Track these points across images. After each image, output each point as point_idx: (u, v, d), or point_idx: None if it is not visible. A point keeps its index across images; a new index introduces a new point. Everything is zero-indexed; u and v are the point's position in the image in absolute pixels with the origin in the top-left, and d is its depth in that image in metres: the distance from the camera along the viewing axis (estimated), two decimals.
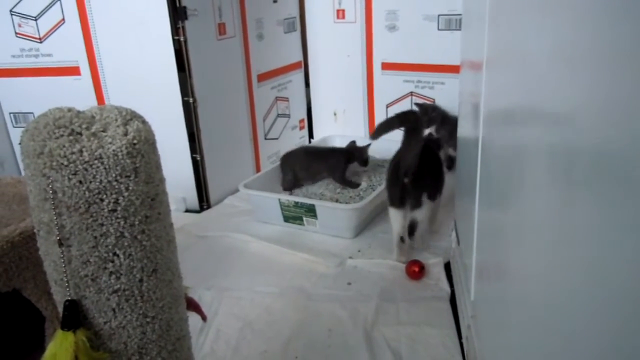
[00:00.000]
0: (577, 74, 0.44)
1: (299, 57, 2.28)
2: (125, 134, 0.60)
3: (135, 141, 0.60)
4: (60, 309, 0.63)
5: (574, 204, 0.45)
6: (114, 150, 0.58)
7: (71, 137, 0.58)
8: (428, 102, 2.00)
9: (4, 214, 1.04)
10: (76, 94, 1.76)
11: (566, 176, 0.47)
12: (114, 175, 0.59)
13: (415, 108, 2.01)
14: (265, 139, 2.13)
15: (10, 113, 1.85)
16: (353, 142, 1.89)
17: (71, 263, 0.61)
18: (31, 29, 1.73)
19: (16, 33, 1.74)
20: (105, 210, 0.59)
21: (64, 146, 0.57)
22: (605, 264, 0.38)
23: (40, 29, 1.73)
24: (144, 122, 0.63)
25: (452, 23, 1.87)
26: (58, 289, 0.64)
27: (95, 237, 0.60)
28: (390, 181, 1.43)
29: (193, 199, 1.86)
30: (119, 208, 0.60)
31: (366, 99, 2.19)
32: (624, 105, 0.34)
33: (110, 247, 0.60)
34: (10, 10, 1.72)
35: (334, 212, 1.59)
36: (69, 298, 0.62)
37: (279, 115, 2.20)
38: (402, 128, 1.39)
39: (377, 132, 1.48)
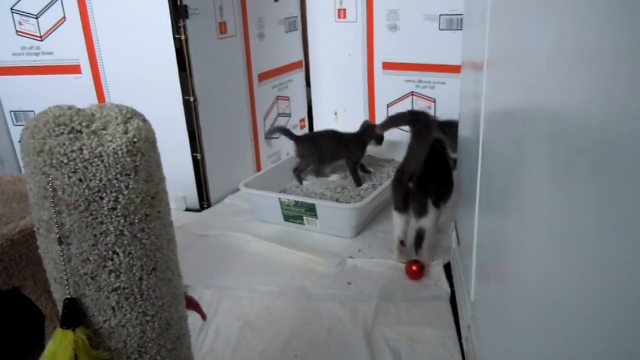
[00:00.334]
0: (578, 73, 0.44)
1: (299, 56, 2.27)
2: (126, 132, 0.60)
3: (135, 139, 0.60)
4: (60, 307, 0.63)
5: (574, 204, 0.44)
6: (114, 149, 0.58)
7: (71, 135, 0.58)
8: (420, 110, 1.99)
9: (4, 212, 1.04)
10: (77, 92, 1.75)
11: (567, 176, 0.47)
12: (114, 173, 0.58)
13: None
14: (266, 138, 2.13)
15: (10, 111, 1.85)
16: (367, 121, 1.92)
17: (71, 261, 0.61)
18: (32, 27, 1.73)
19: (17, 31, 1.74)
20: (105, 208, 0.59)
21: (64, 144, 0.57)
22: (605, 265, 0.38)
23: (41, 27, 1.73)
24: (144, 120, 0.63)
25: (453, 23, 1.87)
26: (57, 287, 0.64)
27: (95, 235, 0.60)
28: (395, 185, 1.41)
29: (193, 198, 1.86)
30: (118, 206, 0.60)
31: (367, 99, 2.18)
32: (626, 105, 0.34)
33: (110, 245, 0.60)
34: (11, 8, 1.72)
35: (335, 211, 1.58)
36: (69, 296, 0.62)
37: (279, 115, 2.20)
38: (410, 128, 1.35)
39: (386, 124, 1.47)
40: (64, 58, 1.75)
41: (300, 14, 2.23)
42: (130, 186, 0.60)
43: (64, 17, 1.70)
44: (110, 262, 0.61)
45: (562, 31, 0.49)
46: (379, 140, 1.91)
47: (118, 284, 0.62)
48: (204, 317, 0.88)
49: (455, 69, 1.85)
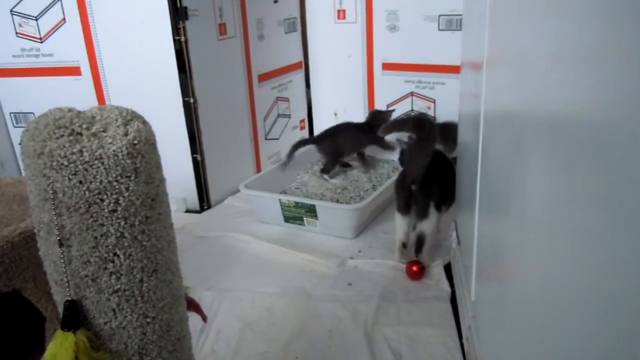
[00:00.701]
0: (578, 74, 0.44)
1: (299, 57, 2.28)
2: (126, 134, 0.60)
3: (135, 141, 0.60)
4: (61, 309, 0.63)
5: (574, 204, 0.44)
6: (114, 151, 0.58)
7: (71, 138, 0.58)
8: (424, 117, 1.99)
9: (4, 214, 1.04)
10: (77, 94, 1.76)
11: (566, 176, 0.47)
12: (114, 175, 0.58)
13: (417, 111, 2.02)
14: (266, 139, 2.13)
15: (10, 113, 1.86)
16: (375, 110, 1.99)
17: (71, 263, 0.61)
18: (32, 29, 1.73)
19: (17, 33, 1.74)
20: (106, 210, 0.59)
21: (64, 146, 0.57)
22: (605, 265, 0.38)
23: (41, 28, 1.73)
24: (144, 122, 0.63)
25: (452, 23, 1.87)
26: (58, 289, 0.64)
27: (96, 238, 0.60)
28: (398, 187, 1.40)
29: (194, 200, 1.86)
30: (119, 208, 0.60)
31: (367, 99, 2.19)
32: (626, 106, 0.34)
33: (110, 247, 0.60)
34: (11, 10, 1.72)
35: (335, 212, 1.58)
36: (69, 298, 0.62)
37: (279, 116, 2.20)
38: (414, 134, 1.34)
39: (388, 129, 1.47)
40: (63, 60, 1.75)
41: (299, 15, 2.23)
42: (131, 188, 0.60)
43: (64, 19, 1.70)
44: (110, 264, 0.61)
45: (561, 31, 0.49)
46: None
47: (119, 286, 0.62)
48: (204, 318, 0.88)
49: (454, 70, 1.85)
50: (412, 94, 2.07)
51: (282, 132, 2.23)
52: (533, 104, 0.60)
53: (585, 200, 0.42)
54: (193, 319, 0.80)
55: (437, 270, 1.39)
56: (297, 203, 1.61)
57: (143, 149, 0.61)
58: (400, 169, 1.47)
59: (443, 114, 2.00)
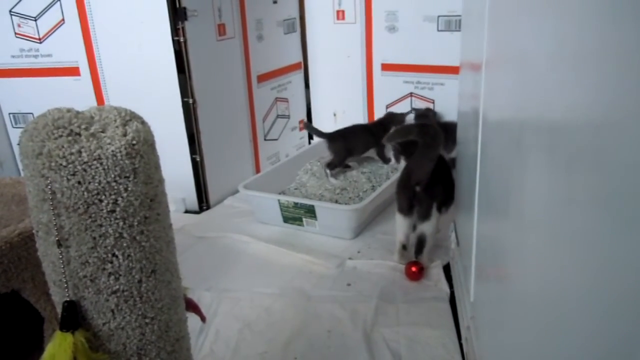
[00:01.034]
0: (577, 75, 0.44)
1: (298, 58, 2.28)
2: (124, 135, 0.60)
3: (134, 142, 0.60)
4: (59, 310, 0.63)
5: (573, 204, 0.44)
6: (112, 151, 0.58)
7: (70, 138, 0.58)
8: (422, 108, 2.01)
9: (3, 215, 1.04)
10: (76, 95, 1.76)
11: (565, 177, 0.47)
12: (112, 176, 0.58)
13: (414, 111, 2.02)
14: (265, 139, 2.13)
15: (9, 113, 1.85)
16: (389, 112, 2.02)
17: (70, 264, 0.61)
18: (31, 29, 1.73)
19: (16, 33, 1.74)
20: (104, 211, 0.59)
21: (62, 147, 0.57)
22: (604, 265, 0.38)
23: (40, 29, 1.73)
24: (143, 122, 0.63)
25: (451, 24, 1.87)
26: (57, 289, 0.63)
27: (94, 238, 0.60)
28: (401, 188, 1.40)
29: (192, 200, 1.86)
30: (117, 209, 0.60)
31: (366, 100, 2.19)
32: (625, 106, 0.34)
33: (109, 247, 0.60)
34: (10, 11, 1.72)
35: (334, 212, 1.58)
36: (68, 299, 0.62)
37: (278, 116, 2.20)
38: (419, 140, 1.34)
39: (393, 137, 1.48)
40: (63, 60, 1.75)
41: (299, 15, 2.23)
42: (129, 189, 0.60)
43: (63, 20, 1.70)
44: (109, 265, 0.61)
45: (560, 32, 0.49)
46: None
47: (117, 287, 0.62)
48: (203, 319, 0.88)
49: (453, 70, 1.86)
50: (411, 94, 2.07)
51: (281, 132, 2.23)
52: (532, 104, 0.60)
53: (584, 201, 0.42)
54: (192, 319, 0.80)
55: (436, 271, 1.39)
56: (296, 203, 1.61)
57: (142, 149, 0.61)
58: (401, 169, 1.47)
59: (442, 114, 2.01)
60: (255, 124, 2.05)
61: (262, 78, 2.05)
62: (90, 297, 0.62)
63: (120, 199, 0.59)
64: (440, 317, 1.23)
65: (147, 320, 0.65)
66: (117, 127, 0.60)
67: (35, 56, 1.76)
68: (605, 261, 0.37)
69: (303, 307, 1.29)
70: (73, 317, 0.62)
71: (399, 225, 1.41)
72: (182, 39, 1.66)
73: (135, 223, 0.61)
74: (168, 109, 1.72)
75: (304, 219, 1.63)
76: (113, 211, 0.59)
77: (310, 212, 1.59)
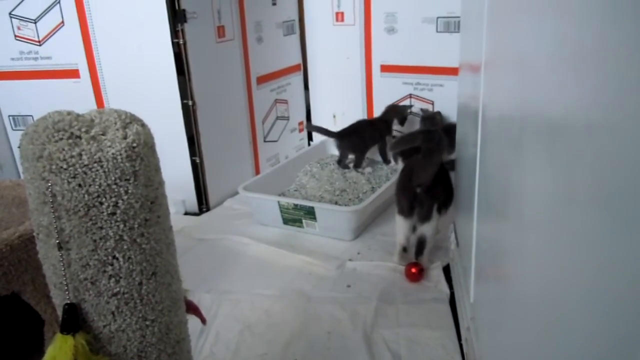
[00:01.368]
0: (576, 75, 0.44)
1: (298, 59, 2.28)
2: (125, 138, 0.60)
3: (134, 144, 0.60)
4: (60, 313, 0.63)
5: (572, 205, 0.45)
6: (113, 154, 0.58)
7: (70, 141, 0.58)
8: (430, 112, 2.00)
9: (3, 217, 1.04)
10: (75, 97, 1.76)
11: (565, 178, 0.47)
12: (113, 178, 0.59)
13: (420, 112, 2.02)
14: (265, 141, 2.13)
15: (9, 116, 1.86)
16: (391, 105, 2.02)
17: (70, 266, 0.61)
18: (30, 32, 1.73)
19: (15, 36, 1.75)
20: (105, 213, 0.59)
21: (63, 150, 0.57)
22: (603, 266, 0.38)
23: (40, 31, 1.73)
24: (143, 125, 0.64)
25: (450, 25, 1.87)
26: (57, 292, 0.64)
27: (95, 241, 0.60)
28: (401, 189, 1.40)
29: (192, 202, 1.86)
30: (118, 211, 0.60)
31: (365, 101, 2.19)
32: (625, 108, 0.34)
33: (109, 250, 0.60)
34: (10, 13, 1.72)
35: (334, 214, 1.59)
36: (68, 301, 0.62)
37: (278, 118, 2.20)
38: (422, 145, 1.35)
39: (397, 144, 1.48)
40: (62, 63, 1.75)
41: (298, 17, 2.24)
42: (130, 191, 0.60)
43: (63, 22, 1.70)
44: (110, 267, 0.61)
45: (560, 33, 0.49)
46: (402, 120, 1.99)
47: (118, 289, 0.62)
48: (203, 321, 0.88)
49: (453, 71, 1.86)
50: (410, 95, 2.07)
51: (280, 134, 2.24)
52: (531, 105, 0.60)
53: (584, 202, 0.42)
54: (192, 321, 0.80)
55: (436, 272, 1.39)
56: (295, 205, 1.61)
57: (142, 152, 0.61)
58: (400, 170, 1.47)
59: (447, 118, 2.01)
60: (255, 125, 2.05)
61: (262, 80, 2.05)
62: (90, 300, 0.62)
63: (120, 201, 0.60)
64: (440, 318, 1.23)
65: (147, 323, 0.65)
66: (117, 129, 0.60)
67: (35, 58, 1.76)
68: (604, 261, 0.38)
69: (303, 308, 1.29)
70: (74, 320, 0.62)
71: (399, 227, 1.41)
72: (181, 41, 1.66)
73: (136, 225, 0.61)
74: (168, 111, 1.72)
75: (303, 221, 1.63)
76: (113, 214, 0.60)
77: (310, 213, 1.59)
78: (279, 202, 1.64)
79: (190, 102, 1.73)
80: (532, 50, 0.60)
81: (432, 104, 2.03)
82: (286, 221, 1.66)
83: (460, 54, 1.55)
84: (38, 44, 1.74)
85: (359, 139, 1.95)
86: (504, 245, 0.76)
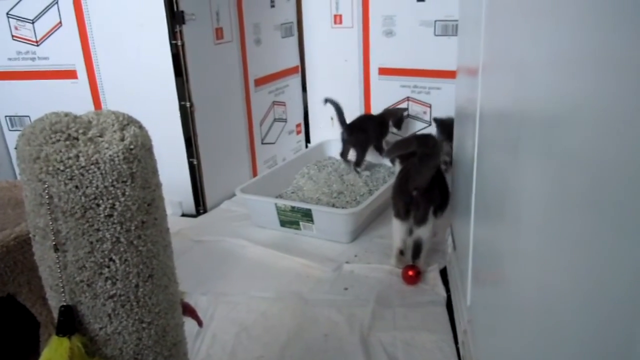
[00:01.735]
0: (573, 80, 0.45)
1: (296, 61, 2.28)
2: (122, 139, 0.60)
3: (132, 146, 0.60)
4: (56, 315, 0.63)
5: (570, 209, 0.45)
6: (110, 156, 0.58)
7: (68, 142, 0.57)
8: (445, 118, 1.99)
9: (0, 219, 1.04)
10: (73, 98, 1.75)
11: (562, 182, 0.47)
12: (110, 180, 0.58)
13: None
14: (262, 143, 2.13)
15: (5, 116, 1.85)
16: (387, 109, 2.05)
17: (67, 268, 0.60)
18: (28, 32, 1.73)
19: (13, 36, 1.74)
20: (102, 215, 0.59)
21: (60, 151, 0.57)
22: (601, 270, 0.38)
23: (37, 32, 1.72)
24: (140, 127, 0.63)
25: (448, 29, 1.88)
26: (53, 294, 0.63)
27: (92, 243, 0.59)
28: (398, 192, 1.40)
29: (189, 204, 1.86)
30: (115, 213, 0.60)
31: (363, 104, 2.19)
32: (621, 112, 0.34)
33: (106, 252, 0.60)
34: (7, 13, 1.72)
35: (331, 216, 1.58)
36: (65, 303, 0.62)
37: (275, 120, 2.20)
38: (418, 151, 1.35)
39: (392, 151, 1.49)
40: (60, 63, 1.75)
41: (296, 19, 2.24)
42: (127, 193, 0.60)
43: (60, 23, 1.70)
44: (106, 270, 0.61)
45: (557, 37, 0.49)
46: (398, 123, 1.99)
47: (114, 292, 0.62)
48: (200, 323, 0.88)
49: (450, 75, 1.86)
50: (408, 98, 2.07)
51: (278, 136, 2.23)
52: (529, 108, 0.61)
53: (581, 206, 0.42)
54: (188, 323, 0.80)
55: (432, 275, 1.39)
56: (293, 207, 1.61)
57: (139, 153, 0.61)
58: (397, 173, 1.48)
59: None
60: (253, 127, 2.05)
61: (260, 82, 2.05)
62: (87, 302, 0.62)
63: (117, 203, 0.59)
64: (437, 321, 1.23)
65: (144, 325, 0.65)
66: (114, 131, 0.60)
67: (33, 59, 1.76)
68: (602, 266, 0.38)
69: (300, 311, 1.28)
70: (70, 322, 0.62)
71: (395, 230, 1.41)
72: (179, 43, 1.66)
73: (133, 227, 0.61)
74: (165, 112, 1.72)
75: (301, 223, 1.63)
76: (110, 215, 0.59)
77: (307, 216, 1.59)
78: (276, 204, 1.64)
79: (188, 104, 1.73)
80: (529, 54, 0.60)
81: (430, 107, 2.03)
82: (283, 223, 1.66)
83: (458, 57, 1.56)
84: (35, 44, 1.74)
85: (364, 134, 1.95)
86: (501, 248, 0.76)
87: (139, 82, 1.72)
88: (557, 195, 0.48)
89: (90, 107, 1.76)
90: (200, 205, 1.86)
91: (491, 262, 0.86)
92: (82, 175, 0.57)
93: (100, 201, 0.58)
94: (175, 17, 1.64)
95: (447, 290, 1.33)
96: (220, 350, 1.16)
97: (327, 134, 2.26)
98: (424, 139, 1.39)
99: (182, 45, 1.66)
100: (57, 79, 1.76)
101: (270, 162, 2.18)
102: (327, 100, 1.95)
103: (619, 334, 0.35)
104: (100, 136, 0.59)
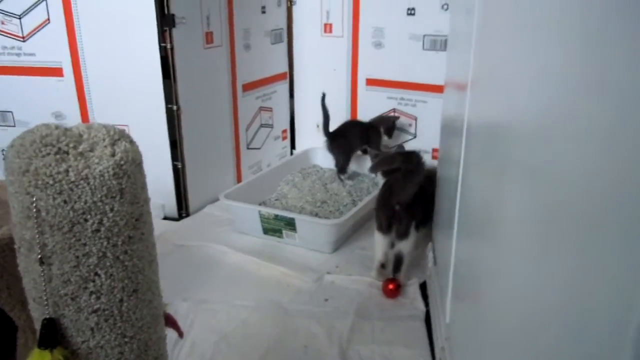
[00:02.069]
0: (563, 97, 0.45)
1: (284, 68, 2.28)
2: (113, 155, 0.60)
3: (122, 162, 0.60)
4: (38, 327, 0.63)
5: (553, 227, 0.45)
6: (100, 171, 0.58)
7: (57, 156, 0.57)
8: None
9: None
10: (58, 95, 1.73)
11: (545, 199, 0.48)
12: (99, 195, 0.58)
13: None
14: (248, 148, 2.13)
15: None
16: (380, 116, 2.07)
17: (51, 281, 0.60)
18: (15, 27, 1.71)
19: None
20: (89, 230, 0.59)
21: (50, 165, 0.56)
22: (581, 288, 0.38)
23: (24, 27, 1.70)
24: (131, 142, 0.63)
25: (437, 44, 1.90)
26: (37, 306, 0.63)
27: (77, 257, 0.59)
28: (380, 206, 1.42)
29: (172, 206, 1.85)
30: (102, 228, 0.59)
31: (349, 113, 2.20)
32: (610, 131, 0.35)
33: (92, 267, 0.60)
34: None
35: (314, 226, 1.59)
36: (48, 316, 0.62)
37: (262, 125, 2.20)
38: (402, 167, 1.37)
39: (376, 167, 1.50)
40: (46, 60, 1.73)
41: (287, 25, 2.24)
42: (115, 209, 0.60)
43: (48, 19, 1.68)
44: (91, 284, 0.61)
45: (547, 54, 0.50)
46: (389, 130, 2.01)
47: (98, 306, 0.62)
48: (180, 334, 0.88)
49: (437, 89, 1.89)
50: (394, 110, 2.09)
51: (264, 142, 2.23)
52: (516, 125, 0.61)
53: (564, 224, 0.42)
54: (168, 331, 0.80)
55: (412, 289, 1.41)
56: (276, 216, 1.61)
57: (129, 169, 0.61)
58: (381, 186, 1.49)
59: (424, 132, 2.03)
60: (239, 132, 2.05)
61: (248, 87, 2.05)
62: (70, 315, 0.62)
63: (105, 218, 0.59)
64: (416, 336, 1.24)
65: (126, 339, 0.65)
66: (105, 146, 0.60)
67: (18, 54, 1.74)
68: (582, 284, 0.38)
69: (280, 320, 1.29)
70: (52, 335, 0.61)
71: (377, 244, 1.42)
72: (169, 45, 1.65)
73: (120, 242, 0.61)
74: (152, 114, 1.71)
75: (283, 231, 1.63)
76: (98, 230, 0.59)
77: (290, 224, 1.60)
78: (259, 211, 1.64)
79: (175, 107, 1.72)
80: (519, 70, 0.60)
81: (415, 119, 2.05)
82: (266, 231, 1.66)
83: (447, 71, 1.57)
84: (22, 39, 1.72)
85: (345, 141, 1.97)
86: (483, 266, 0.77)
87: (126, 83, 1.70)
88: (541, 212, 0.49)
89: (75, 106, 1.74)
90: (182, 208, 1.86)
91: (472, 280, 0.87)
92: (71, 190, 0.57)
93: (89, 216, 0.58)
94: (165, 20, 1.63)
95: (426, 304, 1.35)
96: (199, 358, 1.16)
97: (313, 141, 2.26)
98: (408, 156, 1.41)
99: (172, 48, 1.65)
100: (42, 75, 1.74)
101: (255, 168, 2.18)
102: (324, 97, 1.96)
103: (597, 352, 0.36)
104: (91, 151, 0.59)
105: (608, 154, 0.35)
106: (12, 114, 1.79)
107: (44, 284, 0.60)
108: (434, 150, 1.99)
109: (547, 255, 0.46)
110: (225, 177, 2.02)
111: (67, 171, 0.57)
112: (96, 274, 0.61)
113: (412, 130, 2.07)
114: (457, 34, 1.32)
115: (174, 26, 1.64)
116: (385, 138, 2.02)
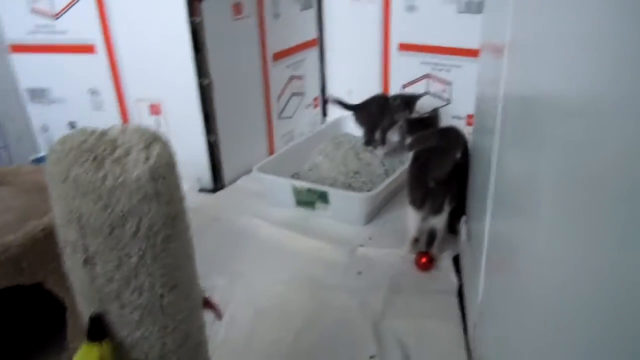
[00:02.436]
0: (611, 63, 0.40)
1: (314, 34, 2.24)
2: (147, 159, 0.61)
3: (157, 165, 0.61)
4: (86, 321, 0.66)
5: (592, 204, 0.43)
6: (136, 176, 0.60)
7: (95, 163, 0.59)
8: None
9: (26, 206, 1.07)
10: (91, 72, 1.76)
11: (586, 175, 0.45)
12: (136, 199, 0.60)
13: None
14: (279, 118, 2.13)
15: (26, 89, 1.86)
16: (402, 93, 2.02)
17: (96, 280, 0.63)
18: (46, 6, 1.72)
19: (31, 9, 1.74)
20: (128, 232, 0.61)
21: (88, 172, 0.58)
22: (617, 266, 0.37)
23: (56, 5, 1.72)
24: (165, 144, 0.65)
25: (472, 6, 1.83)
26: (84, 302, 0.66)
27: (119, 258, 0.62)
28: (414, 183, 1.41)
29: (207, 179, 1.88)
30: (141, 230, 0.62)
31: (381, 79, 2.17)
32: None
33: (132, 266, 0.63)
34: None
35: (347, 199, 1.60)
36: (94, 312, 0.65)
37: (293, 94, 2.19)
38: (439, 143, 1.36)
39: (414, 144, 1.48)
40: (78, 37, 1.75)
41: None
42: (152, 210, 0.62)
43: None
44: (133, 282, 0.63)
45: (596, 13, 0.44)
46: (411, 107, 1.90)
47: (140, 302, 0.65)
48: (219, 317, 0.91)
49: (472, 53, 1.82)
50: (428, 75, 2.04)
51: (295, 110, 2.23)
52: (556, 93, 0.56)
53: (604, 200, 0.40)
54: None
55: (445, 262, 1.41)
56: (309, 189, 1.62)
57: (164, 171, 0.62)
58: (411, 158, 1.47)
59: (459, 97, 1.99)
60: (270, 102, 2.05)
61: (278, 56, 2.03)
62: (114, 311, 0.65)
63: (143, 220, 0.61)
64: (448, 309, 1.25)
65: (168, 331, 0.68)
66: (140, 150, 0.61)
67: (51, 32, 1.76)
68: (618, 262, 0.37)
69: (314, 294, 1.32)
70: (99, 329, 0.65)
71: (410, 218, 1.42)
72: (198, 20, 1.64)
73: (158, 242, 0.63)
74: (183, 89, 1.72)
75: (316, 204, 1.65)
76: (137, 232, 0.62)
77: (323, 197, 1.61)
78: (293, 184, 1.66)
79: (206, 81, 1.72)
80: (563, 35, 0.54)
81: (450, 84, 2.01)
82: (299, 203, 1.68)
83: (482, 33, 1.51)
84: (54, 17, 1.73)
85: (368, 114, 1.95)
86: (517, 241, 0.75)
87: (157, 58, 1.71)
88: (580, 189, 0.46)
89: (110, 82, 1.76)
90: (217, 180, 1.89)
91: (506, 255, 0.86)
92: (110, 195, 0.59)
93: (127, 219, 0.60)
94: None
95: (460, 278, 1.35)
96: (237, 332, 1.20)
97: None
98: (445, 132, 1.38)
99: (201, 22, 1.64)
100: (75, 53, 1.76)
101: (287, 137, 2.19)
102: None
103: (632, 329, 0.34)
104: (126, 156, 0.61)
105: None
106: (50, 92, 1.84)
107: (89, 282, 0.63)
108: (469, 116, 1.95)
109: (586, 235, 0.44)
110: (258, 148, 2.04)
111: (105, 177, 0.59)
112: (137, 272, 0.63)
113: (446, 95, 2.03)
114: None
115: (202, 0, 1.63)
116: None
